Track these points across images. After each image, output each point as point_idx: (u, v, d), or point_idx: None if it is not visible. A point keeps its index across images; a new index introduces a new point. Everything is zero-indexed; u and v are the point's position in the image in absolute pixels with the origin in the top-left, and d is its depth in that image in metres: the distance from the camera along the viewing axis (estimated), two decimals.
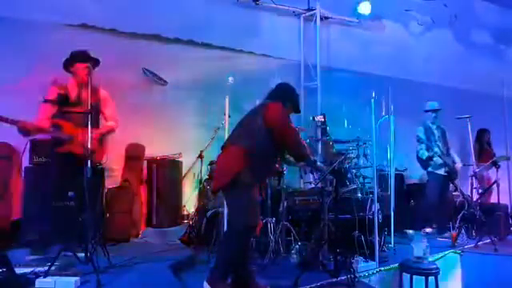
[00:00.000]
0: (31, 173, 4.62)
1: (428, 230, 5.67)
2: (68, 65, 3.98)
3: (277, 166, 4.18)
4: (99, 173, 4.17)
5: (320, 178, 4.19)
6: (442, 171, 5.52)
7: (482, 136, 7.10)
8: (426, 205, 5.61)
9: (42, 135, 3.98)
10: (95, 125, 3.92)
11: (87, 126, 3.46)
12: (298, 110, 3.36)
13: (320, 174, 4.25)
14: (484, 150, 6.98)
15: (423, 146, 5.48)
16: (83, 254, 3.26)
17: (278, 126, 3.01)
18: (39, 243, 3.82)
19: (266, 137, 2.99)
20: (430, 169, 5.58)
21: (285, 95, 3.24)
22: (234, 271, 3.07)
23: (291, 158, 3.43)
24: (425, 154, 5.48)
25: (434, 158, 5.44)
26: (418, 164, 5.82)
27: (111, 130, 4.09)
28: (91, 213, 3.77)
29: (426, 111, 5.73)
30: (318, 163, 3.56)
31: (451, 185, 5.74)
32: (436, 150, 5.37)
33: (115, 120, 4.10)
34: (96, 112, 3.90)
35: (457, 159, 5.61)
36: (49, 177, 3.94)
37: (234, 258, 2.95)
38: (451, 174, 5.57)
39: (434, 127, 5.67)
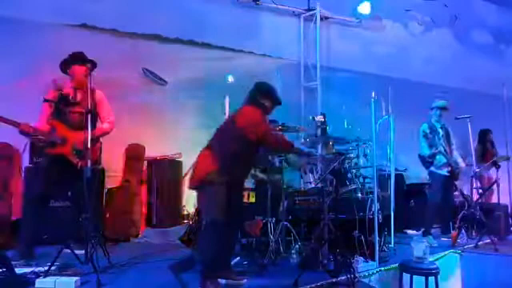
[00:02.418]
0: (31, 173, 4.60)
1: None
2: (65, 67, 3.91)
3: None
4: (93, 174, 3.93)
5: (320, 177, 4.18)
6: (444, 171, 5.36)
7: (484, 137, 6.98)
8: (429, 206, 5.49)
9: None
10: (92, 127, 3.83)
11: (82, 129, 3.43)
12: (277, 103, 3.45)
13: (320, 174, 4.25)
14: (487, 151, 6.89)
15: (425, 143, 5.23)
16: (83, 254, 3.25)
17: (250, 128, 3.18)
18: (25, 246, 3.68)
19: (238, 140, 3.16)
20: (431, 169, 5.35)
21: (258, 95, 3.34)
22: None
23: (291, 158, 3.46)
24: (427, 151, 5.24)
25: (437, 156, 5.30)
26: (420, 163, 5.73)
27: (105, 133, 4.03)
28: (86, 213, 3.75)
29: (432, 108, 5.62)
30: (306, 149, 3.77)
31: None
32: (440, 148, 5.20)
33: (110, 122, 4.03)
34: (92, 114, 3.79)
35: (460, 160, 5.47)
36: (38, 178, 3.88)
37: (210, 254, 3.02)
38: (454, 175, 5.45)
39: (438, 126, 5.55)
